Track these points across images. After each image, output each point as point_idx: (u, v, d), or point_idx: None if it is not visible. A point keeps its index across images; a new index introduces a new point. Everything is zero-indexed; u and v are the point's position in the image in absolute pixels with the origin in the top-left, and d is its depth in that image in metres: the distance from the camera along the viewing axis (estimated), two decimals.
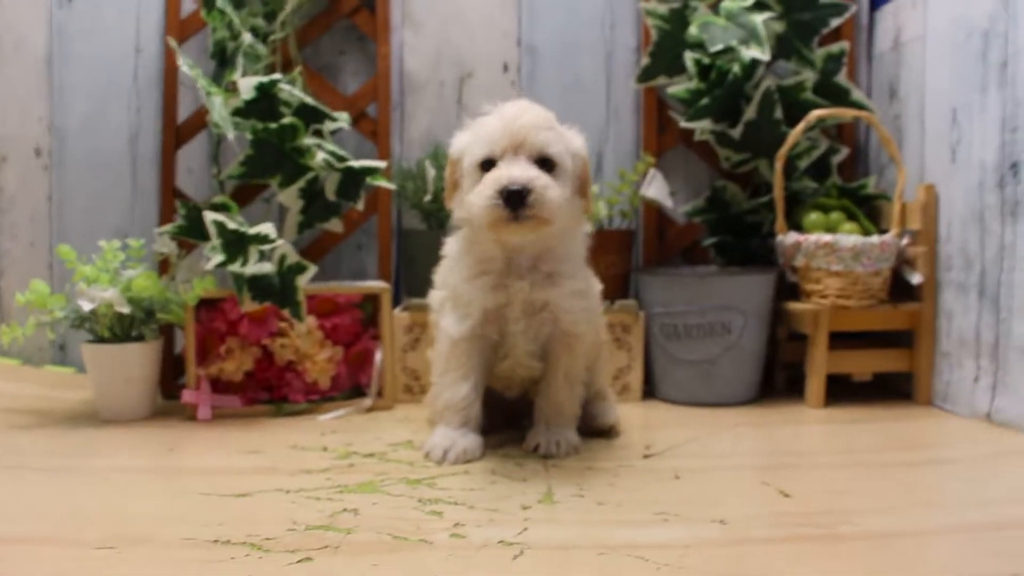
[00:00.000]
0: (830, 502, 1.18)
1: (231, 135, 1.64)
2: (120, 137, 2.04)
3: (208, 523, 1.10)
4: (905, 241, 1.77)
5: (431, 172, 1.75)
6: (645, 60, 1.94)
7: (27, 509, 1.17)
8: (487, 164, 1.29)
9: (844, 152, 1.94)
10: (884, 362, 1.79)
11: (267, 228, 1.61)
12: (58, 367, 2.05)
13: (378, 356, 1.77)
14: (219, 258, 1.60)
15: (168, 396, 1.87)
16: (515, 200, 1.22)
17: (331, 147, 1.71)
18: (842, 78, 1.89)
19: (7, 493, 1.24)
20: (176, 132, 1.93)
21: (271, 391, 1.76)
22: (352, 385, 1.79)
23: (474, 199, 1.26)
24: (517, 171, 1.24)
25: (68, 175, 2.04)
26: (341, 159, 1.69)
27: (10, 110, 2.03)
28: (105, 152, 2.03)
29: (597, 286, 1.50)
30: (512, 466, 1.36)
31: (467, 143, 1.34)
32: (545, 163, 1.28)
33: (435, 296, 1.49)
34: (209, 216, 1.59)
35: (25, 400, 1.82)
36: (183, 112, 1.96)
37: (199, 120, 1.95)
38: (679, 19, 1.90)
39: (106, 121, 2.03)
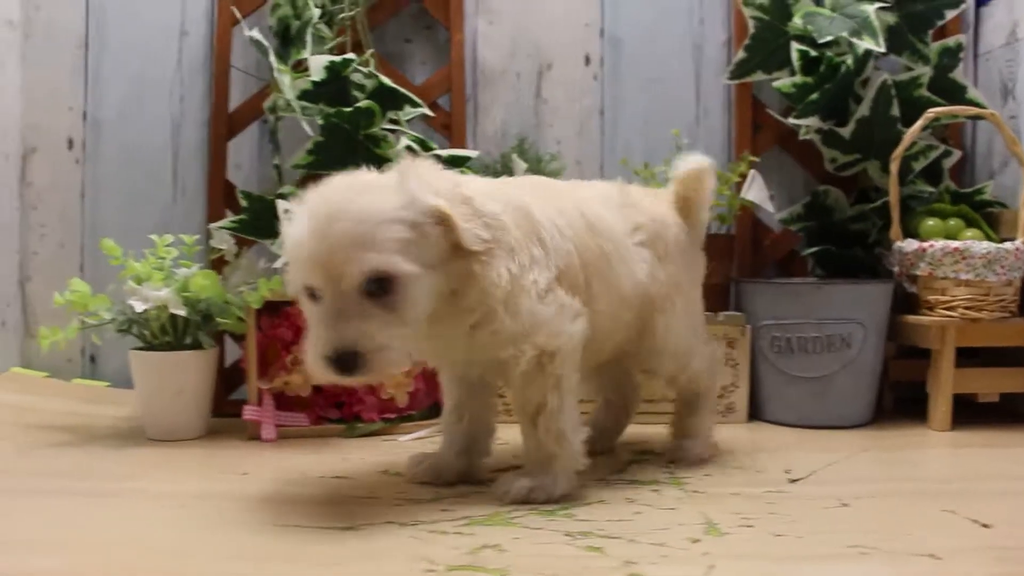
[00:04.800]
0: None
1: (302, 119, 1.47)
2: (161, 128, 1.85)
3: (323, 562, 0.90)
4: None
5: (522, 167, 1.58)
6: (740, 54, 1.79)
7: (94, 538, 0.98)
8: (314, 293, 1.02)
9: (956, 155, 1.79)
10: (1015, 382, 1.63)
11: None
12: (88, 380, 1.85)
13: None
14: None
15: (215, 413, 1.67)
16: (346, 367, 0.99)
17: (413, 134, 1.53)
18: (958, 74, 1.75)
19: (65, 520, 1.04)
20: (228, 121, 1.74)
21: (340, 408, 1.56)
22: (430, 402, 1.60)
23: (307, 349, 1.02)
24: (337, 333, 0.98)
25: (103, 169, 1.86)
26: (426, 146, 1.52)
27: (40, 98, 1.84)
28: (144, 144, 1.85)
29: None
30: (648, 493, 1.18)
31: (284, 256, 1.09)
32: (382, 283, 0.99)
33: None
34: (282, 206, 1.40)
35: (57, 416, 1.61)
36: (231, 101, 1.78)
37: (250, 109, 1.77)
38: (781, 9, 1.75)
39: (146, 111, 1.85)
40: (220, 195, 1.72)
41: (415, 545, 0.96)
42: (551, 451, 1.12)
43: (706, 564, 0.90)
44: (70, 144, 1.85)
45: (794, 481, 1.25)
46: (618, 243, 1.22)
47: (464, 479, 1.22)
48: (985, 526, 1.04)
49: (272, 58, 1.46)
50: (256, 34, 1.49)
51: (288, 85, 1.49)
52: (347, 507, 1.11)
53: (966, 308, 1.59)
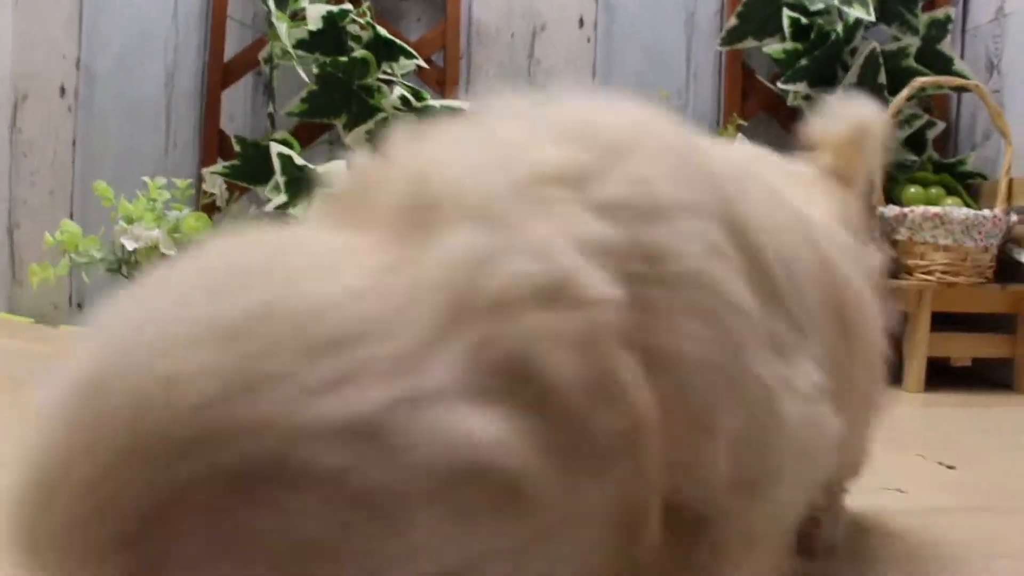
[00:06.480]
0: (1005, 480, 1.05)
1: (298, 67, 1.48)
2: (155, 78, 1.86)
3: None
4: (1014, 218, 1.65)
5: None
6: (732, 21, 1.81)
7: None
8: None
9: (940, 126, 1.82)
10: (988, 347, 1.66)
11: (338, 167, 1.45)
12: (76, 327, 1.86)
13: None
14: (281, 198, 1.44)
15: None
16: None
17: (407, 84, 1.55)
18: (945, 46, 1.78)
19: None
20: (223, 71, 1.76)
21: None
22: None
23: None
24: None
25: (95, 117, 1.86)
26: (420, 97, 1.54)
27: (33, 46, 1.84)
28: (137, 93, 1.86)
29: None
30: None
31: None
32: None
33: None
34: (275, 149, 1.42)
35: (47, 361, 1.62)
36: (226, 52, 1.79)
37: (245, 60, 1.78)
38: None
39: (141, 60, 1.86)
40: (215, 143, 1.73)
41: None
42: None
43: None
44: (62, 92, 1.86)
45: None
46: None
47: None
48: (950, 467, 1.08)
49: (271, 5, 1.47)
50: None
51: (286, 33, 1.50)
52: None
53: (943, 272, 1.62)
